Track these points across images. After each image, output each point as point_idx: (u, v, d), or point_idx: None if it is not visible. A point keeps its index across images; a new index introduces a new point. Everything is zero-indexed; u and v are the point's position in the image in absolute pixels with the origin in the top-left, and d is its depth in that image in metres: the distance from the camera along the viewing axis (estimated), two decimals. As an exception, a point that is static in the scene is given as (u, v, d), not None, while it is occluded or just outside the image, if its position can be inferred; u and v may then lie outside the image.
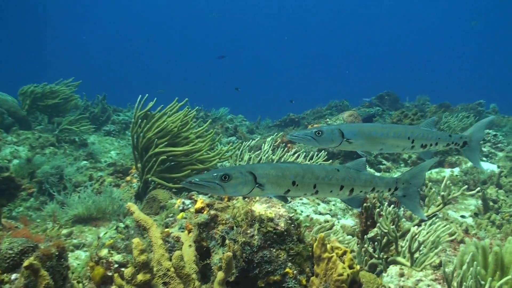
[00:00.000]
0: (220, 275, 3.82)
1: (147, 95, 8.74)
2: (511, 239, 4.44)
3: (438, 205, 5.37)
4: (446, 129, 14.27)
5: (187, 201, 7.17)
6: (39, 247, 4.93)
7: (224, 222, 4.84)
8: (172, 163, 8.93)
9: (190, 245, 3.63)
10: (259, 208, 4.79)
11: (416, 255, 5.04)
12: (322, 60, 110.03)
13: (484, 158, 13.77)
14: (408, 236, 4.98)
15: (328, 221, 8.07)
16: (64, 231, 8.37)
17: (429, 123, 5.12)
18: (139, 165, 9.17)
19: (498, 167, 12.74)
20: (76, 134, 15.24)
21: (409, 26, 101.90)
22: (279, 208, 4.85)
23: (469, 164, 12.66)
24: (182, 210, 7.04)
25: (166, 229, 6.45)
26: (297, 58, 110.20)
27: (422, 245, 5.03)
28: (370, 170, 12.57)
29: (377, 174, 12.42)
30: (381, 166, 12.87)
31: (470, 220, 9.65)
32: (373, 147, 4.90)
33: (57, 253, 4.67)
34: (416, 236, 5.02)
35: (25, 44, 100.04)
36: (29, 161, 11.73)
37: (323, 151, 9.52)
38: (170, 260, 3.32)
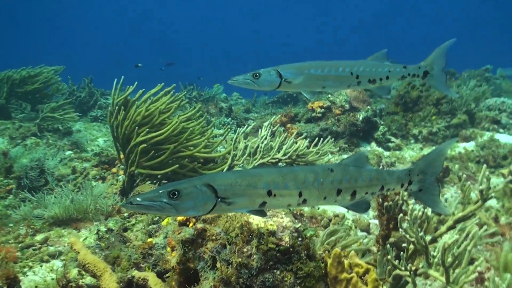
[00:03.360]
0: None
1: (122, 77, 7.67)
2: None
3: (476, 202, 4.39)
4: (458, 99, 13.20)
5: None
6: (-17, 279, 3.97)
7: (214, 238, 3.89)
8: (159, 153, 7.91)
9: (161, 296, 2.64)
10: (257, 218, 3.83)
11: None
12: (321, 29, 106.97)
13: (501, 130, 12.76)
14: (440, 248, 4.01)
15: (337, 215, 7.11)
16: (39, 237, 7.41)
17: (378, 57, 4.79)
18: (122, 156, 8.19)
19: (519, 140, 11.74)
20: (59, 122, 14.19)
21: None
22: (282, 218, 3.89)
23: (485, 137, 11.67)
24: (170, 213, 6.09)
25: (149, 239, 5.50)
26: (295, 29, 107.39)
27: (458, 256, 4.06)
28: (378, 149, 11.59)
29: (386, 153, 11.45)
30: (390, 144, 11.90)
31: (493, 202, 8.66)
32: (314, 86, 4.68)
33: (6, 287, 3.70)
34: (450, 246, 4.04)
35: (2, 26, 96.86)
36: (5, 155, 10.73)
37: (328, 136, 8.51)
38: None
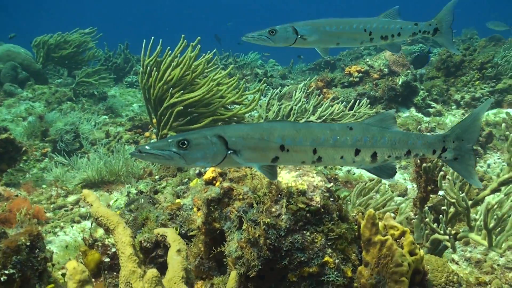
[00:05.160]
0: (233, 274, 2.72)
1: (152, 38, 7.47)
2: None
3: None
4: (505, 63, 12.57)
5: (205, 163, 6.03)
6: (6, 234, 3.90)
7: (241, 197, 3.71)
8: (193, 115, 7.75)
9: (178, 251, 2.47)
10: (287, 177, 3.63)
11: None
12: None
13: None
14: (483, 209, 3.73)
15: (373, 179, 6.84)
16: (71, 199, 7.44)
17: (390, 13, 4.88)
18: (155, 120, 8.08)
19: None
20: (95, 87, 14.22)
21: None
22: (312, 177, 3.67)
23: (532, 103, 11.12)
24: (199, 174, 5.96)
25: (178, 200, 5.39)
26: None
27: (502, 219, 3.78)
28: (417, 114, 11.20)
29: (426, 119, 11.05)
30: (430, 110, 11.46)
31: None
32: (329, 42, 4.81)
33: (28, 244, 3.61)
34: (494, 208, 3.77)
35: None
36: (41, 118, 10.81)
37: (365, 98, 8.19)
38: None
